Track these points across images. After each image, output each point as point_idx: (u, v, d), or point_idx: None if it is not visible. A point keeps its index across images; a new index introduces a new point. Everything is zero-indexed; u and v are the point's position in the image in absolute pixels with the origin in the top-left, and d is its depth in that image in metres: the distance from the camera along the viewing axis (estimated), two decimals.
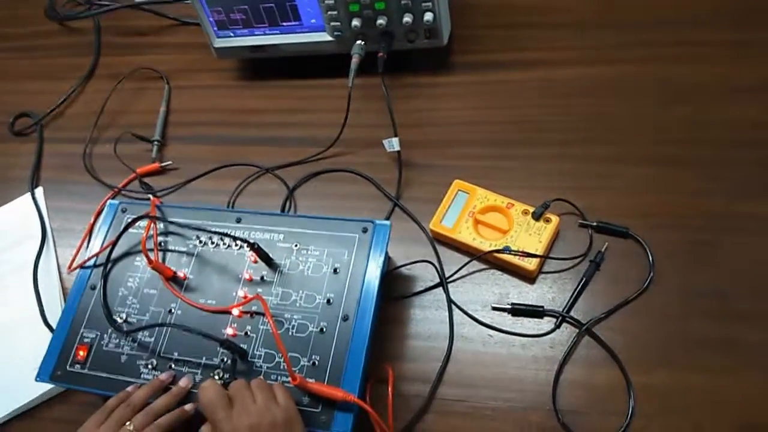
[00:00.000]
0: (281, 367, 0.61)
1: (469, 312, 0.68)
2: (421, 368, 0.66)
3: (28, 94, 1.02)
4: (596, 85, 0.81)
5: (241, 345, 0.63)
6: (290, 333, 0.63)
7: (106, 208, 0.76)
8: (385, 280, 0.66)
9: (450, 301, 0.69)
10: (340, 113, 0.81)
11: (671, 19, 0.84)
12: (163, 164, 0.87)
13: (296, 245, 0.68)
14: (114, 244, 0.70)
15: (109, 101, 0.94)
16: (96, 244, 0.73)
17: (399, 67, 0.85)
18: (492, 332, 0.66)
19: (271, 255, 0.67)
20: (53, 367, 0.66)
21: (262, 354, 0.62)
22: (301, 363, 0.61)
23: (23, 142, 0.96)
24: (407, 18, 0.77)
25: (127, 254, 0.71)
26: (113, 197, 0.86)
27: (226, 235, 0.67)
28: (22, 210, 0.89)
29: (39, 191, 0.90)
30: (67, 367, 0.66)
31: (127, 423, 0.59)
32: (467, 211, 0.72)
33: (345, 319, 0.62)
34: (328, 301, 0.64)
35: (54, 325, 0.72)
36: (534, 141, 0.78)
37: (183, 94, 0.95)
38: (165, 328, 0.65)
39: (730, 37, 0.80)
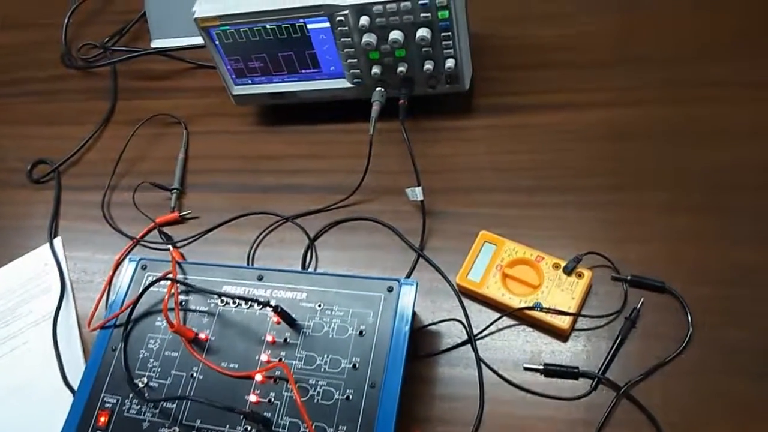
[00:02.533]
0: None
1: (500, 372, 0.65)
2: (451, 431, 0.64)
3: (45, 139, 1.01)
4: (621, 128, 0.78)
5: (265, 413, 0.61)
6: (315, 400, 0.61)
7: (125, 264, 0.74)
8: (411, 336, 0.64)
9: (479, 360, 0.66)
10: (360, 159, 0.79)
11: (699, 56, 0.81)
12: (182, 213, 0.86)
13: (320, 305, 0.66)
14: (134, 304, 0.69)
15: (127, 147, 0.94)
16: (116, 302, 0.72)
17: (420, 111, 0.83)
18: (525, 394, 0.64)
19: (294, 316, 0.65)
20: None
21: (287, 423, 0.60)
22: None
23: (41, 189, 0.96)
24: (428, 65, 0.76)
25: (147, 314, 0.70)
26: (132, 248, 0.85)
27: (250, 299, 0.66)
28: (41, 261, 0.88)
29: (58, 241, 0.89)
30: None
31: None
32: (495, 264, 0.70)
33: (372, 386, 0.60)
34: (354, 366, 0.62)
35: (74, 386, 0.71)
36: (560, 188, 0.76)
37: (201, 139, 0.94)
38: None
39: (758, 78, 0.78)
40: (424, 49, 0.75)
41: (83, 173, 0.96)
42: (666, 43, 0.84)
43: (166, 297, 0.67)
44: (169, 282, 0.69)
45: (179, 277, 0.71)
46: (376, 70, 0.77)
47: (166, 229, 0.86)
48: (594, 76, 0.83)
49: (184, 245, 0.84)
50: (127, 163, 0.94)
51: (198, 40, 0.83)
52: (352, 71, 0.79)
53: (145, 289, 0.66)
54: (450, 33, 0.73)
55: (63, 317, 0.81)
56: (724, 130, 0.75)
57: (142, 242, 0.85)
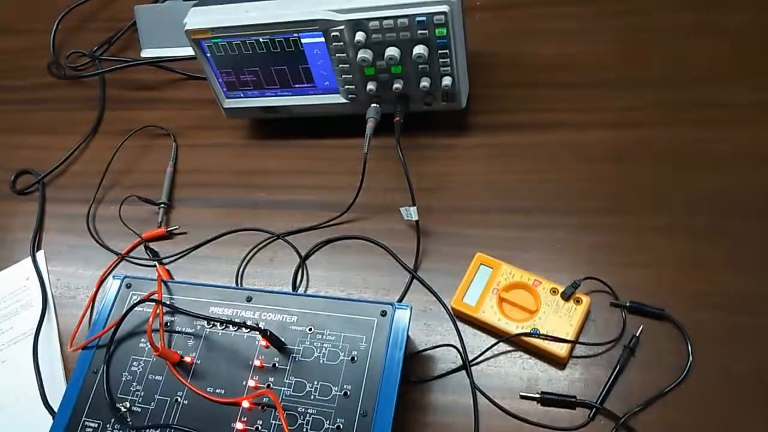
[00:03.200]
0: None
1: (496, 400, 0.63)
2: None
3: (29, 149, 0.99)
4: (622, 149, 0.77)
5: None
6: (304, 430, 0.58)
7: (110, 281, 0.72)
8: (404, 362, 0.62)
9: (474, 387, 0.64)
10: (353, 176, 0.77)
11: (699, 77, 0.80)
12: (170, 229, 0.83)
13: (311, 329, 0.64)
14: (117, 325, 0.66)
15: (114, 159, 0.91)
16: (99, 322, 0.69)
17: (415, 128, 0.81)
18: (521, 424, 0.62)
19: (283, 340, 0.63)
20: None
21: None
22: None
23: (24, 201, 0.93)
24: (424, 83, 0.74)
25: (131, 335, 0.67)
26: (117, 264, 0.82)
27: (238, 324, 0.63)
28: (23, 275, 0.85)
29: (40, 255, 0.86)
30: None
31: None
32: (491, 288, 0.68)
33: (364, 415, 0.58)
34: (345, 393, 0.59)
35: (54, 407, 0.68)
36: (558, 209, 0.74)
37: (190, 152, 0.91)
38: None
39: (759, 99, 0.77)
40: (420, 66, 0.73)
41: (68, 185, 0.93)
42: (666, 65, 0.82)
43: (151, 319, 0.65)
44: (153, 303, 0.67)
45: (165, 297, 0.68)
46: (371, 86, 0.76)
47: (152, 245, 0.83)
48: (594, 95, 0.82)
49: (171, 261, 0.81)
50: (114, 175, 0.91)
51: (189, 51, 0.81)
52: (346, 87, 0.77)
53: (129, 310, 0.64)
54: (447, 50, 0.71)
55: (44, 334, 0.78)
56: (727, 153, 0.74)
57: (127, 258, 0.83)
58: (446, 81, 0.74)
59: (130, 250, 0.83)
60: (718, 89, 0.79)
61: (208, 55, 0.78)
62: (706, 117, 0.77)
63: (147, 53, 1.02)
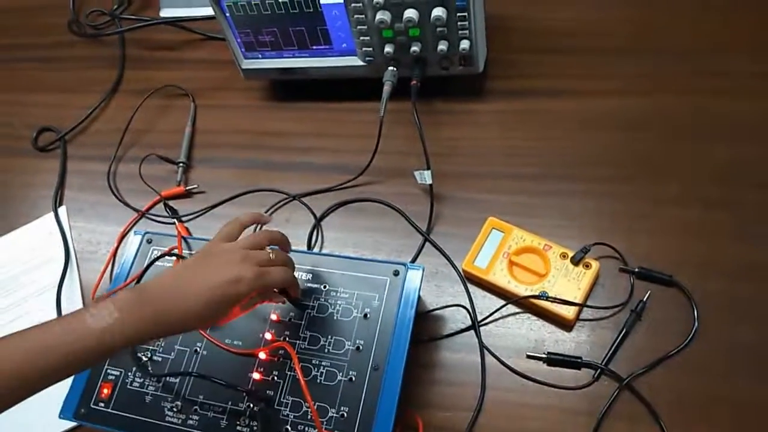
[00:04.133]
0: (308, 417, 0.59)
1: (503, 359, 0.65)
2: (451, 418, 0.64)
3: (49, 107, 1.00)
4: (635, 117, 0.77)
5: (268, 391, 0.61)
6: (318, 381, 0.61)
7: (131, 236, 0.74)
8: (414, 321, 0.64)
9: (482, 347, 0.66)
10: (369, 139, 0.78)
11: (713, 47, 0.80)
12: (188, 188, 0.85)
13: (325, 286, 0.66)
14: (139, 279, 0.68)
15: (134, 118, 0.93)
16: (120, 275, 0.71)
17: (431, 93, 0.82)
18: (526, 382, 0.64)
19: (299, 296, 0.65)
20: (77, 404, 0.65)
21: (289, 402, 0.61)
22: (330, 414, 0.59)
23: (45, 158, 0.95)
24: (442, 46, 0.74)
25: None
26: (137, 221, 0.84)
27: None
28: (45, 230, 0.87)
29: (62, 211, 0.89)
30: (91, 404, 0.65)
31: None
32: (502, 251, 0.69)
33: (375, 368, 0.60)
34: (358, 348, 0.62)
35: None
36: (571, 176, 0.75)
37: (209, 113, 0.93)
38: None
39: None
40: (438, 29, 0.73)
41: (89, 143, 0.95)
42: (683, 34, 0.82)
43: None
44: (174, 257, 0.69)
45: (184, 252, 0.70)
46: (388, 48, 0.76)
47: (171, 203, 0.85)
48: (609, 63, 0.81)
49: (190, 220, 0.83)
50: (134, 135, 0.93)
51: (208, 11, 0.81)
52: (364, 49, 0.78)
53: (151, 263, 0.66)
54: (466, 13, 0.71)
55: (67, 288, 0.81)
56: (740, 123, 0.74)
57: (147, 215, 0.85)
58: (464, 44, 0.74)
59: (150, 208, 0.85)
60: (731, 59, 0.78)
61: (228, 15, 0.79)
62: (718, 86, 0.77)
63: (166, 12, 1.03)
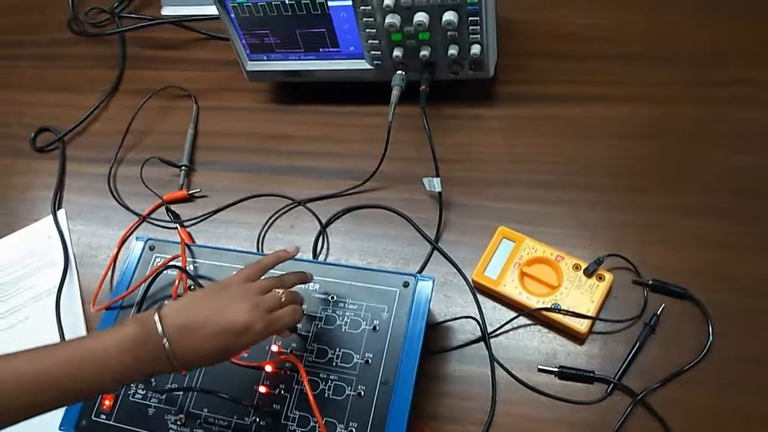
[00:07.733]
0: None
1: (514, 372, 0.64)
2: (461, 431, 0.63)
3: (48, 106, 0.98)
4: (648, 125, 0.76)
5: (274, 405, 0.60)
6: (326, 395, 0.59)
7: (132, 242, 0.72)
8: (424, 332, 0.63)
9: (493, 359, 0.65)
10: (376, 144, 0.77)
11: (730, 55, 0.78)
12: (191, 191, 0.83)
13: (332, 297, 0.64)
14: (146, 291, 0.67)
15: (134, 120, 0.91)
16: (122, 283, 0.70)
17: (440, 97, 0.80)
18: (538, 396, 0.63)
19: (305, 307, 0.63)
20: (78, 416, 0.64)
21: (297, 417, 0.59)
22: (338, 430, 0.58)
23: (44, 159, 0.93)
24: (452, 50, 0.73)
25: (155, 296, 0.68)
26: (138, 225, 0.83)
27: None
28: (44, 233, 0.86)
29: (61, 214, 0.87)
30: (92, 416, 0.63)
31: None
32: (513, 262, 0.68)
33: (385, 383, 0.59)
34: (367, 361, 0.60)
35: None
36: (583, 185, 0.74)
37: (212, 115, 0.91)
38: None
39: None
40: (449, 33, 0.71)
41: (89, 144, 0.93)
42: (699, 43, 0.80)
43: (176, 285, 0.65)
44: (177, 270, 0.67)
45: (188, 260, 0.69)
46: (397, 52, 0.74)
47: (173, 207, 0.83)
48: (622, 69, 0.80)
49: (192, 224, 0.82)
50: (134, 136, 0.91)
51: (211, 9, 0.79)
52: (372, 52, 0.76)
53: (157, 274, 0.65)
54: (478, 18, 0.69)
55: (66, 293, 0.79)
56: (757, 132, 0.73)
57: (148, 219, 0.83)
58: (475, 49, 0.72)
59: (152, 212, 0.83)
60: (748, 67, 0.77)
61: (233, 15, 0.77)
62: (735, 95, 0.76)
63: (168, 11, 1.01)
